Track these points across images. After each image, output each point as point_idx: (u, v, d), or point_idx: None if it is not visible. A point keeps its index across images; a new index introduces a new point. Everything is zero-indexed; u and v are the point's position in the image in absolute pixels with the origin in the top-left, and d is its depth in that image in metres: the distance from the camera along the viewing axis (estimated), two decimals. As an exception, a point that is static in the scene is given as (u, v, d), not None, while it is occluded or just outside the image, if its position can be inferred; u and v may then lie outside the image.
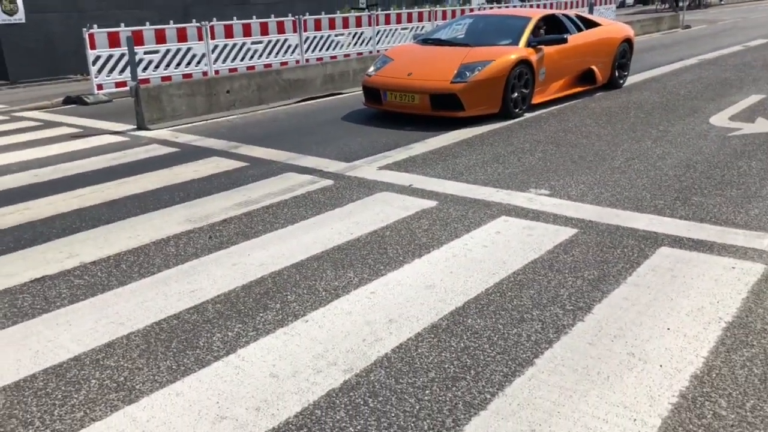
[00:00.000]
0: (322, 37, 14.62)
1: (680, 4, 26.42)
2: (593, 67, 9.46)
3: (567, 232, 4.29)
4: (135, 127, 8.30)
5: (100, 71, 10.99)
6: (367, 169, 6.00)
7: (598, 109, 8.50)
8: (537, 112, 8.33)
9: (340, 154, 6.57)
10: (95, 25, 11.11)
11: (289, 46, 13.92)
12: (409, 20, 16.90)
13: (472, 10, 18.72)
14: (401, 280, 3.63)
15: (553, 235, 4.25)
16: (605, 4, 24.70)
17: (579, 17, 9.92)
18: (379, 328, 3.10)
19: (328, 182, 5.61)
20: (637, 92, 9.67)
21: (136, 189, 5.59)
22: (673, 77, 11.01)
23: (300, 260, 3.95)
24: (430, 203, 4.96)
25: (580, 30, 9.46)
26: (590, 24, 9.89)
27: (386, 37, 16.19)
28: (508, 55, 7.98)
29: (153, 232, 4.53)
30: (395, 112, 8.15)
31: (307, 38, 14.28)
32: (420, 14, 17.38)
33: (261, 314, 3.30)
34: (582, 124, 7.63)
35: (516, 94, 8.03)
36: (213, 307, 3.39)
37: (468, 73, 7.69)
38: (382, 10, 18.40)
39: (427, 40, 9.30)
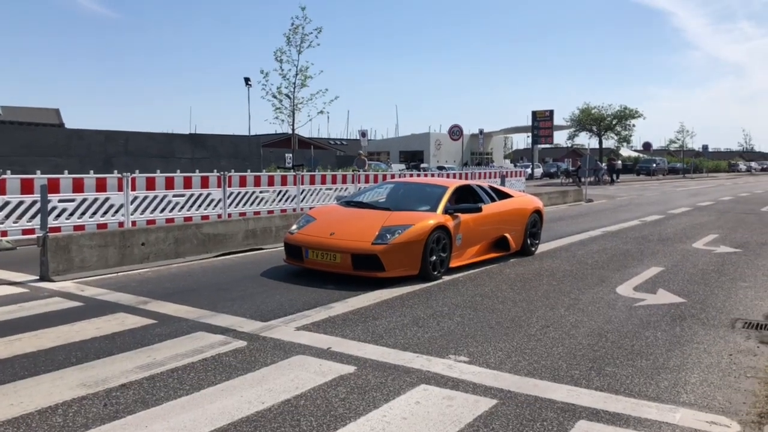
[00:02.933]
0: (246, 192, 14.84)
1: (582, 179, 28.91)
2: (507, 235, 9.93)
3: (487, 403, 4.18)
4: (38, 278, 7.82)
5: (7, 217, 10.55)
6: (284, 329, 5.81)
7: (513, 275, 8.80)
8: (454, 275, 8.51)
9: (256, 313, 6.36)
10: (8, 171, 10.85)
11: (212, 200, 13.99)
12: (333, 182, 17.55)
13: (393, 176, 19.72)
14: (314, 457, 3.36)
15: (473, 405, 4.13)
16: (516, 177, 26.69)
17: (492, 188, 10.58)
18: None
19: (241, 343, 5.35)
20: (549, 260, 10.14)
21: (29, 347, 5.12)
22: (581, 247, 11.70)
23: (204, 433, 3.61)
24: (349, 369, 4.78)
25: (494, 200, 10.06)
26: (503, 195, 10.55)
27: (310, 195, 16.64)
28: (426, 220, 8.29)
29: (40, 398, 4.07)
30: (316, 269, 8.13)
31: (231, 193, 14.44)
32: (344, 177, 18.12)
33: (153, 500, 2.92)
34: (498, 289, 7.82)
35: (434, 257, 8.23)
36: (97, 491, 2.98)
37: (389, 236, 7.88)
38: (307, 171, 19.08)
39: (350, 203, 9.58)
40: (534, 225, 10.68)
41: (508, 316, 6.51)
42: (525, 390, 4.44)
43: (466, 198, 9.71)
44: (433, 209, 8.73)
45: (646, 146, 68.00)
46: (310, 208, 11.96)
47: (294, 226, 8.82)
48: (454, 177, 22.19)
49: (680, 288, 8.03)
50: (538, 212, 10.87)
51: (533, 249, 10.63)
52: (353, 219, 8.62)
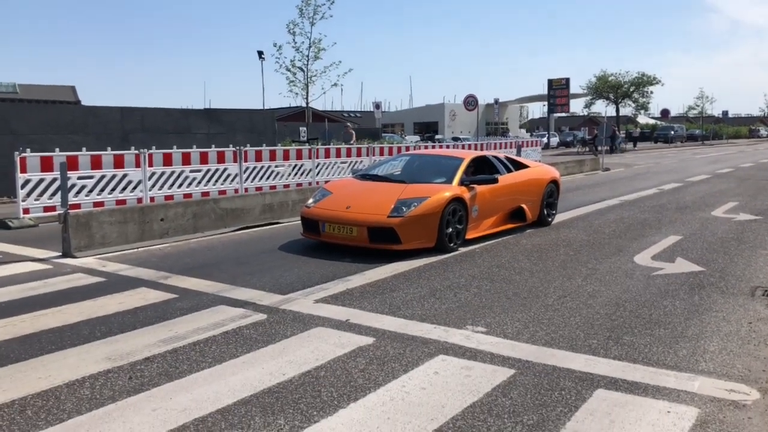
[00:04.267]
0: (262, 167, 14.89)
1: (599, 148, 28.59)
2: (523, 206, 9.89)
3: (505, 373, 4.22)
4: (60, 254, 7.96)
5: (28, 195, 10.70)
6: (302, 302, 5.87)
7: (529, 245, 8.79)
8: (471, 247, 8.52)
9: (275, 286, 6.43)
10: (28, 149, 10.96)
11: (228, 175, 14.06)
12: (348, 155, 17.53)
13: (408, 148, 19.63)
14: (335, 428, 3.43)
15: (491, 375, 4.17)
16: (532, 146, 26.44)
17: (509, 159, 10.51)
18: (310, 484, 2.86)
19: (261, 316, 5.42)
20: (566, 230, 10.10)
21: (54, 323, 5.24)
22: (598, 216, 11.63)
23: (226, 405, 3.69)
24: (368, 340, 4.84)
25: (510, 171, 9.99)
26: (519, 165, 10.48)
27: (326, 169, 16.65)
28: (442, 192, 8.27)
29: (67, 372, 4.18)
30: (333, 243, 8.18)
31: (247, 168, 14.50)
32: (359, 150, 18.07)
33: (180, 469, 3.00)
34: (515, 260, 7.83)
35: (450, 230, 8.23)
36: (126, 460, 3.07)
37: (405, 209, 7.88)
38: (322, 144, 19.06)
39: (365, 176, 9.57)
40: (550, 195, 10.62)
41: (525, 286, 6.53)
42: (543, 360, 4.46)
43: (482, 169, 9.66)
44: (449, 181, 8.70)
45: (664, 113, 66.95)
46: (326, 182, 11.99)
47: (310, 200, 8.85)
48: (470, 148, 22.05)
49: (699, 256, 7.98)
50: (554, 182, 10.80)
51: (550, 219, 10.59)
52: (369, 192, 8.63)
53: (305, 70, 22.06)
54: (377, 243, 7.85)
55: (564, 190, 12.50)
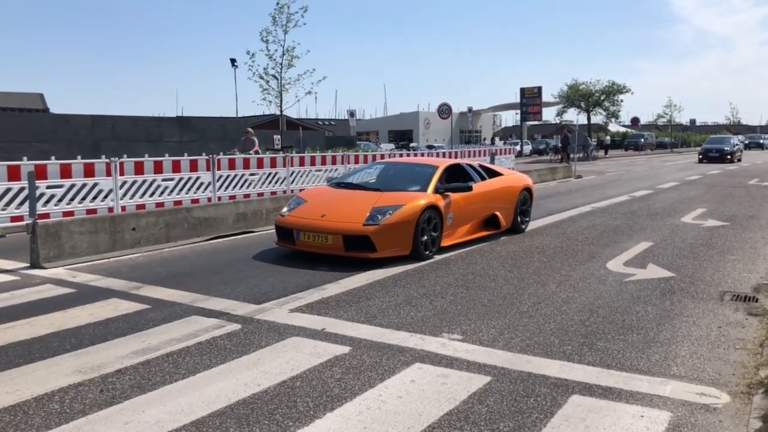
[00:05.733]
0: (236, 175, 14.77)
1: (572, 156, 28.97)
2: (497, 213, 9.96)
3: (481, 380, 4.23)
4: (28, 265, 7.78)
5: (-5, 204, 10.45)
6: (277, 311, 5.83)
7: (504, 252, 8.85)
8: (446, 254, 8.55)
9: (249, 296, 6.37)
10: (-5, 158, 10.72)
11: (201, 184, 13.92)
12: (323, 163, 17.49)
13: (383, 156, 19.67)
14: (311, 437, 3.40)
15: (467, 383, 4.18)
16: (505, 154, 26.71)
17: (482, 167, 10.59)
18: (287, 496, 2.83)
19: (236, 326, 5.37)
20: (539, 237, 10.20)
21: (22, 335, 5.12)
22: (571, 223, 11.77)
23: (201, 417, 3.64)
24: (344, 349, 4.81)
25: (483, 179, 10.07)
26: (493, 173, 10.56)
27: (300, 177, 16.58)
28: (417, 200, 8.29)
29: (36, 385, 4.08)
30: (308, 252, 8.14)
31: (220, 176, 14.36)
32: (333, 158, 18.05)
33: (153, 483, 2.95)
34: (489, 267, 7.87)
35: (426, 237, 8.25)
36: (97, 475, 3.01)
37: (380, 216, 7.88)
38: (296, 153, 18.98)
39: (340, 184, 9.56)
40: (524, 203, 10.72)
41: (500, 293, 6.57)
42: (518, 366, 4.49)
43: (456, 177, 9.72)
44: (424, 189, 8.73)
45: (634, 121, 68.15)
46: (300, 190, 11.93)
47: (285, 209, 8.80)
48: (444, 156, 22.18)
49: (670, 262, 8.11)
50: (527, 190, 10.90)
51: (524, 226, 10.68)
52: (344, 200, 8.62)
53: (279, 77, 22.00)
54: (352, 251, 7.83)
55: (537, 197, 12.63)
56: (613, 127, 69.83)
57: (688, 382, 4.23)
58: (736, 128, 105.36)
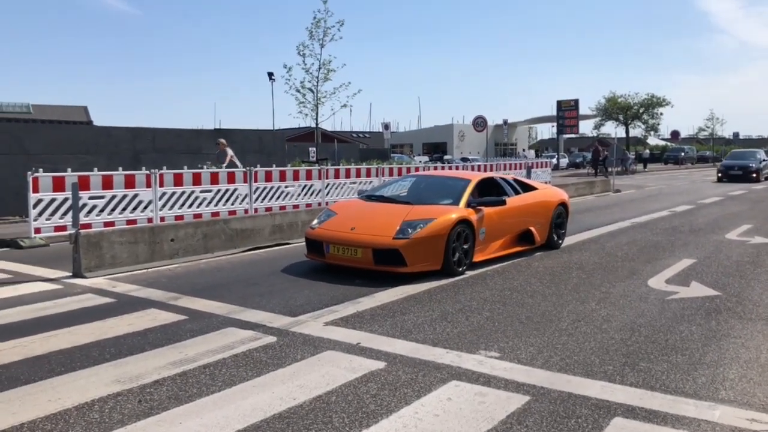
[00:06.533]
0: (272, 187, 14.90)
1: (609, 169, 28.50)
2: (531, 228, 9.79)
3: (519, 400, 4.14)
4: (71, 274, 7.95)
5: (40, 214, 10.74)
6: (313, 324, 5.82)
7: (541, 268, 8.70)
8: (480, 270, 8.44)
9: (285, 308, 6.38)
10: (41, 169, 11.03)
11: (238, 196, 14.08)
12: (358, 175, 17.55)
13: (417, 169, 19.64)
14: (347, 455, 3.36)
15: (505, 402, 4.09)
16: (542, 167, 26.42)
17: (516, 181, 10.45)
18: None
19: (271, 339, 5.37)
20: (578, 252, 10.01)
21: (64, 344, 5.21)
22: (610, 239, 11.53)
23: (236, 430, 3.63)
24: (379, 364, 4.77)
25: (518, 193, 9.93)
26: (527, 187, 10.42)
27: (335, 189, 16.66)
28: (449, 214, 8.20)
29: (77, 394, 4.14)
30: (338, 265, 8.12)
31: (257, 188, 14.51)
32: (368, 170, 18.09)
33: (189, 497, 2.94)
34: (527, 283, 7.74)
35: (457, 252, 8.13)
36: (135, 487, 3.02)
37: (410, 230, 7.81)
38: (331, 165, 19.10)
39: (371, 197, 9.53)
40: (559, 217, 10.52)
41: (538, 310, 6.44)
42: (558, 386, 4.38)
43: (490, 191, 9.61)
44: (456, 203, 8.65)
45: (674, 135, 66.91)
46: (334, 202, 11.96)
47: (315, 221, 8.79)
48: (478, 169, 22.04)
49: (714, 280, 7.87)
50: (563, 205, 10.71)
51: (559, 242, 10.49)
52: (374, 213, 8.58)
53: (315, 91, 22.18)
54: (382, 265, 7.76)
55: (575, 211, 12.43)
56: (652, 141, 68.60)
57: (738, 407, 4.06)
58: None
